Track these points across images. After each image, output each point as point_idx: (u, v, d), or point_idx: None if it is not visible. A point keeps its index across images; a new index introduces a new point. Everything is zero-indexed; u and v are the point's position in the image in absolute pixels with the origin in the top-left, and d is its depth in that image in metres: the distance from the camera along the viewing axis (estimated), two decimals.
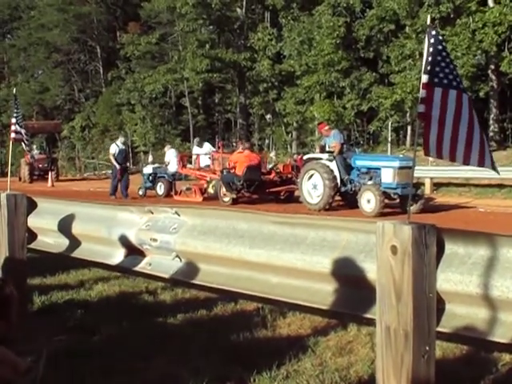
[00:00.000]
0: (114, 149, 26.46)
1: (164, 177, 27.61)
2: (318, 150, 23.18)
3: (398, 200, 19.76)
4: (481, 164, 4.50)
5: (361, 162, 20.69)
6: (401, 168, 19.41)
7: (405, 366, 3.84)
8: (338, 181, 20.38)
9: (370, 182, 19.80)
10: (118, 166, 26.01)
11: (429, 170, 27.92)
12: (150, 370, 5.26)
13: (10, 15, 71.86)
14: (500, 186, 27.34)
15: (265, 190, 23.51)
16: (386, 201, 19.21)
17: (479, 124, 4.49)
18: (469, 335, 4.35)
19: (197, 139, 30.99)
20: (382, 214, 18.20)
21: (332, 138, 21.63)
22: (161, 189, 27.16)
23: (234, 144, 40.85)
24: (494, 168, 4.62)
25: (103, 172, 51.48)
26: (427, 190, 27.28)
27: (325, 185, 20.13)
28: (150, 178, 28.07)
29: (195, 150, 29.19)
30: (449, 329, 4.33)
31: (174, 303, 7.51)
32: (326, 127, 22.92)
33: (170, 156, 28.44)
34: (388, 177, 19.45)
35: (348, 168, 20.60)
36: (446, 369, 4.77)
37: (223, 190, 23.04)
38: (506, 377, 5.06)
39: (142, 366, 5.37)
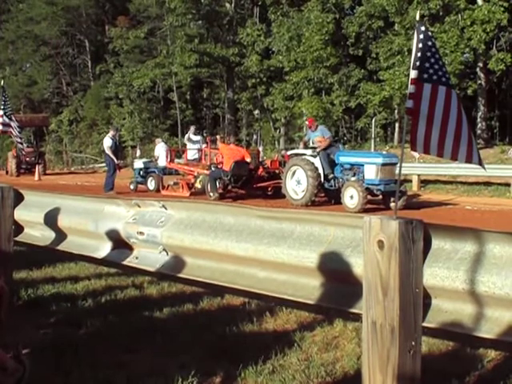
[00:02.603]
0: (109, 142, 26.08)
1: (154, 171, 27.54)
2: (301, 145, 23.18)
3: (380, 196, 19.81)
4: (468, 160, 4.51)
5: (344, 158, 20.68)
6: (384, 165, 19.44)
7: (391, 362, 3.84)
8: (322, 177, 20.41)
9: (353, 179, 19.81)
10: (116, 161, 25.86)
11: (416, 167, 27.95)
12: (136, 364, 5.26)
13: None
14: (487, 184, 27.39)
15: (252, 186, 23.51)
16: (369, 197, 19.23)
17: (467, 121, 4.50)
18: (455, 330, 4.35)
19: (193, 127, 30.84)
20: (364, 211, 18.20)
21: (319, 132, 21.68)
22: (152, 183, 27.06)
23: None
24: (481, 164, 4.63)
25: (90, 166, 51.38)
26: (414, 187, 27.38)
27: (308, 180, 20.18)
28: (141, 172, 27.97)
29: (190, 137, 28.92)
30: (435, 324, 4.33)
31: (160, 297, 7.50)
32: (315, 123, 22.99)
33: (160, 150, 28.36)
34: (371, 173, 19.46)
35: (331, 164, 20.61)
36: (431, 364, 4.79)
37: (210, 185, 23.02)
38: (492, 373, 5.07)
39: (128, 359, 5.36)
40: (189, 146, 28.55)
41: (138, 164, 28.59)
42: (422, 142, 4.32)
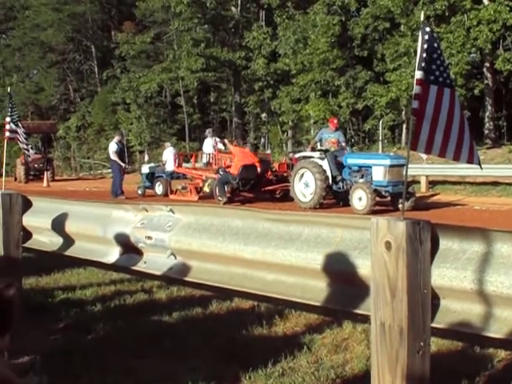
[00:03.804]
0: (114, 147, 26.17)
1: (162, 176, 27.49)
2: (309, 148, 23.19)
3: (389, 198, 19.77)
4: (470, 161, 4.52)
5: (352, 160, 20.67)
6: (392, 166, 19.39)
7: (400, 363, 3.83)
8: (330, 179, 20.42)
9: (361, 180, 19.79)
10: (123, 165, 26.00)
11: (424, 168, 27.90)
12: (145, 369, 5.26)
13: (5, 15, 71.62)
14: (495, 184, 27.34)
15: (260, 189, 23.50)
16: (377, 199, 19.20)
17: (467, 121, 4.52)
18: (464, 331, 4.35)
19: (210, 129, 30.71)
20: (373, 212, 18.12)
21: (337, 135, 21.85)
22: (159, 188, 27.01)
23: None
24: (479, 164, 4.65)
25: (99, 172, 51.38)
26: (423, 187, 27.29)
27: (316, 183, 20.17)
28: (149, 177, 27.97)
29: (207, 141, 28.70)
30: (444, 325, 4.33)
31: (169, 301, 7.51)
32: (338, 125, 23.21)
33: (168, 155, 28.29)
34: (379, 175, 19.43)
35: (339, 166, 20.61)
36: (441, 365, 4.77)
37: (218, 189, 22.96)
38: (502, 373, 5.06)
39: (137, 364, 5.37)
40: (208, 150, 28.14)
41: (146, 169, 28.57)
42: (424, 142, 4.31)
